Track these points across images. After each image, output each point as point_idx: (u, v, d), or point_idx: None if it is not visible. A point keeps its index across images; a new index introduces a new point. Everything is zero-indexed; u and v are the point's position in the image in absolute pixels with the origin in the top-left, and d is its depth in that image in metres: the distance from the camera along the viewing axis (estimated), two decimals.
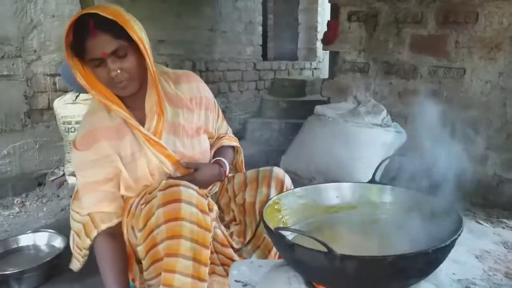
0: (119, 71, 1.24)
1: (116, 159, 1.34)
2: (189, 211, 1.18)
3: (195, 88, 1.50)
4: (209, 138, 1.57)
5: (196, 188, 1.25)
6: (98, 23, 1.20)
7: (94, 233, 1.31)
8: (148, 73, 1.32)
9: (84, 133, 1.36)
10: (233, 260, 1.39)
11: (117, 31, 1.21)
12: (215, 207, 1.30)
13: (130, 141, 1.36)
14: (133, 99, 1.37)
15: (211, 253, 1.32)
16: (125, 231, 1.34)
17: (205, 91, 1.54)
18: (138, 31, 1.25)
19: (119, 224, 1.34)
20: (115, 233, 1.33)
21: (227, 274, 1.38)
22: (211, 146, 1.59)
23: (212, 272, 1.36)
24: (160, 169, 1.38)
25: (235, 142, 1.64)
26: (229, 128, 1.69)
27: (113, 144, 1.34)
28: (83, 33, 1.22)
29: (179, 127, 1.43)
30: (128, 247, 1.35)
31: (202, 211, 1.22)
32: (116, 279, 1.28)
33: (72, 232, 1.48)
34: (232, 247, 1.43)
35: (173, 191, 1.21)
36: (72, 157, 1.41)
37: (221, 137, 1.63)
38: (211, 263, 1.34)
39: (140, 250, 1.25)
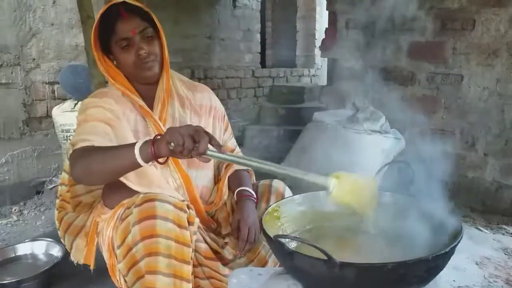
0: (146, 50, 1.33)
1: (122, 118, 1.35)
2: (165, 227, 1.15)
3: (207, 97, 1.56)
4: None
5: (174, 201, 1.21)
6: (128, 8, 1.32)
7: (71, 151, 1.23)
8: (163, 59, 1.41)
9: (97, 92, 1.45)
10: (220, 273, 1.36)
11: (144, 15, 1.35)
12: (197, 220, 1.25)
13: (139, 121, 1.40)
14: (147, 90, 1.43)
15: (195, 266, 1.29)
16: (110, 243, 1.31)
17: (216, 103, 1.59)
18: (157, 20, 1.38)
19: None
20: None
21: None
22: (223, 167, 1.59)
23: (197, 286, 1.34)
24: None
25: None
26: (237, 147, 1.67)
27: (120, 108, 1.37)
28: (113, 17, 1.32)
29: None
30: (111, 259, 1.32)
31: (180, 226, 1.18)
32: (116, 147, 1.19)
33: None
34: (223, 258, 1.41)
35: (149, 206, 1.17)
36: (79, 107, 1.41)
37: None
38: (195, 276, 1.32)
39: (121, 267, 1.23)
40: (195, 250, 1.29)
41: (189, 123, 1.45)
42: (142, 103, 1.40)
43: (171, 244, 1.16)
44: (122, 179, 1.22)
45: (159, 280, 1.15)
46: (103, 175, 1.18)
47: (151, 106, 1.42)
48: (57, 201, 1.40)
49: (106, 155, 1.15)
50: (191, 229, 1.21)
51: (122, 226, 1.21)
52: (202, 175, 1.49)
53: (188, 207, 1.24)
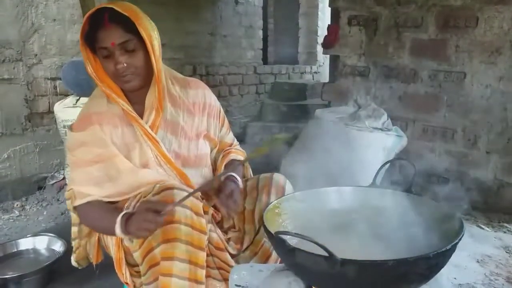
0: (125, 64, 1.29)
1: (109, 144, 1.35)
2: (183, 214, 1.18)
3: (201, 94, 1.52)
4: (213, 147, 1.57)
5: (190, 190, 1.24)
6: (113, 16, 1.26)
7: (72, 207, 1.39)
8: (152, 70, 1.35)
9: (80, 117, 1.42)
10: (228, 265, 1.38)
11: (129, 26, 1.27)
12: (211, 209, 1.29)
13: (126, 132, 1.38)
14: (136, 94, 1.40)
15: (207, 255, 1.31)
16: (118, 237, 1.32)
17: (211, 99, 1.55)
18: (150, 30, 1.30)
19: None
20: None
21: (223, 278, 1.37)
22: (219, 158, 1.59)
23: (207, 276, 1.35)
24: (152, 164, 1.37)
25: (242, 157, 1.62)
26: (235, 140, 1.67)
27: (106, 129, 1.36)
28: (98, 23, 1.28)
29: (178, 127, 1.44)
30: (118, 253, 1.33)
31: (197, 213, 1.21)
32: (109, 213, 1.29)
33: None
34: (228, 252, 1.42)
35: (167, 194, 1.20)
36: (67, 139, 1.45)
37: (228, 151, 1.60)
38: (207, 266, 1.33)
39: (137, 256, 1.24)
40: (208, 240, 1.31)
41: (182, 123, 1.44)
42: (128, 108, 1.37)
43: (188, 231, 1.18)
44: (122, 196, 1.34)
45: (176, 265, 1.17)
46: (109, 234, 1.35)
47: (140, 111, 1.40)
48: (73, 253, 1.50)
49: (103, 227, 1.32)
50: (206, 218, 1.25)
51: None
52: (198, 173, 1.49)
53: (202, 198, 1.27)
